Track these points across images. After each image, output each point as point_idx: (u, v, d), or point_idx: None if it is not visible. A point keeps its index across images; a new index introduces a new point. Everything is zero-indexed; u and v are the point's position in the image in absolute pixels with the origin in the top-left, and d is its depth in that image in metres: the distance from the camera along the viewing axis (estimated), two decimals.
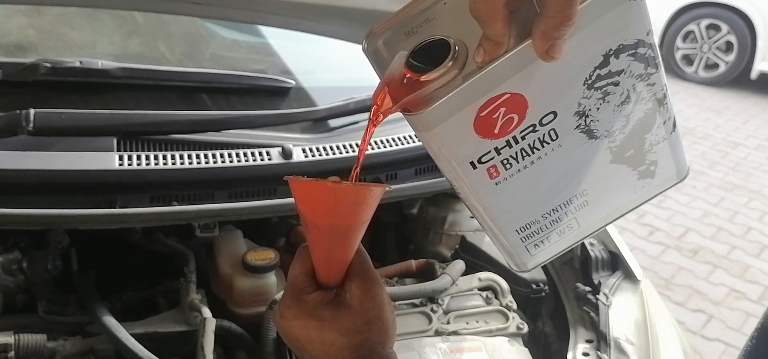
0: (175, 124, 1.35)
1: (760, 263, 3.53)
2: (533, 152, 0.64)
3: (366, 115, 1.53)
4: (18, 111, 1.19)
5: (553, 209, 0.71)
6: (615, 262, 1.38)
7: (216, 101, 1.52)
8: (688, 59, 6.63)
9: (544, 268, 1.44)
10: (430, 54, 0.60)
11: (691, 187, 4.33)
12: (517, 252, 0.75)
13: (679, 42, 6.58)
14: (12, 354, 1.02)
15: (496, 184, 0.66)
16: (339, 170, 1.39)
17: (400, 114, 0.62)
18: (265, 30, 1.87)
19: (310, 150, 1.37)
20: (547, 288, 1.38)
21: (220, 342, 1.22)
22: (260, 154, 1.32)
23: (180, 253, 1.30)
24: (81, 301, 1.21)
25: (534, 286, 1.38)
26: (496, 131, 0.62)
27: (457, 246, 1.50)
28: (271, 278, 1.27)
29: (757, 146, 5.19)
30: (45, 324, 1.16)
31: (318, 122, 1.48)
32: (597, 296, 1.30)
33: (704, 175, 4.57)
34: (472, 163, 0.64)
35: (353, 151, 1.40)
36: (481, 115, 0.60)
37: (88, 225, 1.16)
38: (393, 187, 1.42)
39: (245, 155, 1.31)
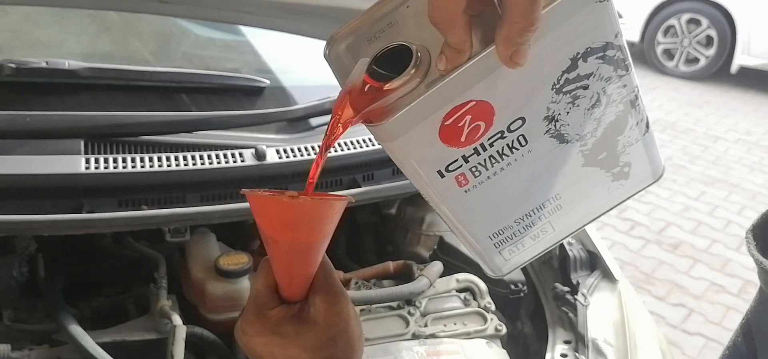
0: (144, 125, 1.32)
1: (740, 256, 3.55)
2: (502, 159, 0.62)
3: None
4: None
5: (525, 215, 0.70)
6: (593, 262, 1.37)
7: (188, 101, 1.49)
8: (669, 54, 6.66)
9: (523, 268, 1.42)
10: (393, 61, 0.58)
11: (671, 181, 4.35)
12: (491, 258, 0.73)
13: (659, 36, 6.61)
14: None
15: (466, 192, 0.64)
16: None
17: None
18: (242, 28, 1.84)
19: (285, 151, 1.34)
20: (525, 288, 1.37)
21: (192, 349, 1.19)
22: (233, 155, 1.29)
23: (151, 258, 1.27)
24: (48, 309, 1.18)
25: (513, 287, 1.37)
26: (462, 139, 0.60)
27: (435, 247, 1.48)
28: (245, 283, 1.24)
29: (737, 140, 5.23)
30: (11, 332, 1.12)
31: (293, 122, 1.45)
32: (575, 296, 1.28)
33: (685, 169, 4.59)
34: (439, 172, 0.62)
35: (329, 152, 1.38)
36: (446, 123, 0.58)
37: (54, 231, 1.12)
38: (371, 188, 1.40)
39: (217, 156, 1.28)
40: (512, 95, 0.58)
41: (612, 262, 1.35)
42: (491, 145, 0.61)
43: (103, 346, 1.08)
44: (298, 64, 1.75)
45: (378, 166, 1.44)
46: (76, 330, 1.06)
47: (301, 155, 1.34)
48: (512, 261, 0.74)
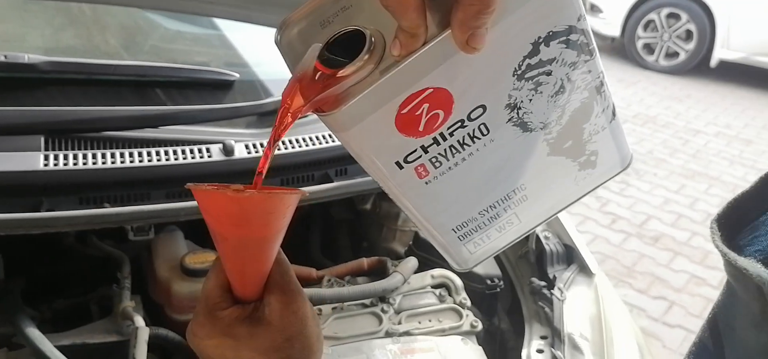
0: (108, 120, 1.27)
1: None
2: (464, 149, 0.59)
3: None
4: None
5: (490, 206, 0.67)
6: (570, 255, 1.34)
7: (154, 95, 1.44)
8: (649, 48, 6.70)
9: (500, 263, 1.40)
10: (346, 46, 0.54)
11: (652, 175, 4.37)
12: (457, 251, 0.71)
13: (640, 31, 6.64)
14: None
15: (427, 183, 0.61)
16: (283, 166, 1.33)
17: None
18: (212, 21, 1.79)
19: (254, 146, 1.30)
20: (502, 283, 1.35)
21: (158, 351, 1.15)
22: (200, 151, 1.26)
23: (114, 257, 1.23)
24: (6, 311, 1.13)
25: (489, 282, 1.34)
26: (420, 129, 0.57)
27: (411, 243, 1.45)
28: None
29: (717, 133, 5.26)
30: None
31: (263, 117, 1.42)
32: (551, 290, 1.26)
33: (665, 162, 4.60)
34: (397, 163, 0.59)
35: (299, 146, 1.35)
36: (402, 112, 0.55)
37: (11, 230, 1.08)
38: (343, 183, 1.36)
39: (183, 152, 1.24)
40: (471, 81, 0.55)
41: (588, 256, 1.33)
42: (451, 134, 0.58)
43: (63, 349, 1.04)
44: (268, 57, 1.71)
45: (351, 160, 1.40)
46: (34, 333, 1.02)
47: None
48: (478, 254, 0.72)
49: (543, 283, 1.29)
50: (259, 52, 1.74)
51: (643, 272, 3.31)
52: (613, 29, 6.73)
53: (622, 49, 6.83)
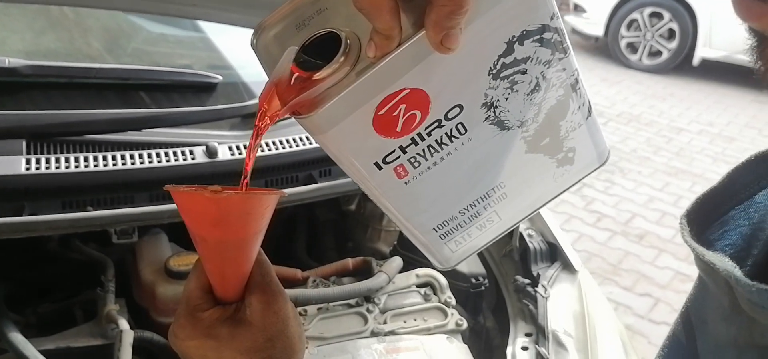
0: (90, 124, 1.27)
1: None
2: (442, 148, 0.60)
3: None
4: None
5: (470, 205, 0.68)
6: (553, 253, 1.35)
7: (137, 98, 1.44)
8: (633, 47, 6.75)
9: (484, 261, 1.41)
10: (321, 49, 0.55)
11: (637, 173, 4.40)
12: (438, 250, 0.71)
13: (623, 30, 6.69)
14: None
15: (406, 183, 0.62)
16: (267, 168, 1.33)
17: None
18: (195, 23, 1.79)
19: (238, 148, 1.30)
20: (486, 281, 1.36)
21: (143, 354, 1.15)
22: (183, 153, 1.25)
23: (98, 261, 1.22)
24: None
25: (473, 280, 1.35)
26: (398, 130, 0.57)
27: (396, 242, 1.46)
28: None
29: (700, 131, 5.32)
30: None
31: (246, 118, 1.42)
32: (536, 288, 1.27)
33: (649, 161, 4.64)
34: (376, 164, 0.59)
35: (283, 148, 1.35)
36: (379, 113, 0.55)
37: None
38: (327, 184, 1.37)
39: (167, 154, 1.24)
40: (447, 81, 0.56)
41: (572, 253, 1.34)
42: (429, 134, 0.59)
43: (47, 354, 1.03)
44: (250, 59, 1.71)
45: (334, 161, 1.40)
46: (17, 338, 1.02)
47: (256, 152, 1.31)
48: (459, 252, 0.72)
49: (527, 281, 1.30)
50: (241, 54, 1.74)
51: (629, 269, 3.34)
52: (597, 29, 6.78)
53: (605, 48, 6.88)
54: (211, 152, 1.26)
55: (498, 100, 0.59)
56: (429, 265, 1.35)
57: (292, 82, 0.56)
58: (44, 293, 1.26)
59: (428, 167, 0.61)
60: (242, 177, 0.58)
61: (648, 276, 3.30)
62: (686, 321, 0.56)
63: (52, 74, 1.36)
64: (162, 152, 1.24)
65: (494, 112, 0.60)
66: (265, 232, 0.61)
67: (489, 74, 0.57)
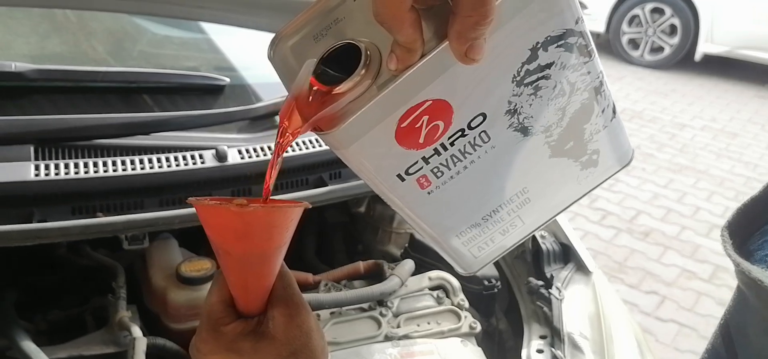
0: (98, 128, 1.26)
1: (710, 242, 3.58)
2: (465, 157, 0.59)
3: None
4: None
5: (492, 211, 0.67)
6: (566, 254, 1.34)
7: (144, 102, 1.43)
8: (634, 43, 6.74)
9: (497, 263, 1.40)
10: (341, 61, 0.54)
11: (640, 170, 4.39)
12: (461, 256, 0.70)
13: (625, 26, 6.68)
14: None
15: (429, 193, 0.61)
16: (282, 171, 1.32)
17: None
18: (200, 25, 1.78)
19: (247, 151, 1.29)
20: (499, 283, 1.34)
21: None
22: (192, 157, 1.24)
23: (108, 267, 1.21)
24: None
25: (486, 283, 1.34)
26: (421, 141, 0.56)
27: (407, 245, 1.45)
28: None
29: (703, 127, 5.30)
30: None
31: (254, 121, 1.40)
32: (549, 290, 1.26)
33: (653, 157, 4.63)
34: (399, 176, 0.58)
35: (292, 151, 1.33)
36: (402, 126, 0.54)
37: (2, 243, 1.06)
38: (338, 186, 1.35)
39: (176, 159, 1.23)
40: (470, 91, 0.55)
41: (585, 254, 1.33)
42: (452, 144, 0.58)
43: None
44: (258, 61, 1.70)
45: (344, 164, 1.39)
46: (29, 347, 1.00)
47: (264, 155, 1.30)
48: (482, 258, 0.71)
49: (541, 283, 1.29)
50: (247, 56, 1.73)
51: (635, 267, 3.33)
52: (598, 25, 6.77)
53: (607, 44, 6.86)
54: (220, 156, 1.25)
55: (521, 106, 0.58)
56: (441, 268, 1.34)
57: (312, 97, 0.55)
58: (52, 300, 1.25)
59: (451, 177, 0.60)
60: (264, 192, 0.57)
61: (654, 273, 3.29)
62: (725, 334, 0.55)
63: (58, 78, 1.35)
64: (171, 156, 1.23)
65: (518, 118, 0.59)
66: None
67: (513, 81, 0.56)
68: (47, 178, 1.12)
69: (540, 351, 1.17)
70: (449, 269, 1.34)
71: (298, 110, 0.55)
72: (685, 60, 6.57)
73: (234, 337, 0.58)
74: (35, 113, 1.27)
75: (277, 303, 0.60)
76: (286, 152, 1.34)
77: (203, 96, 1.48)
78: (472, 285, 1.33)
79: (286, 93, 0.55)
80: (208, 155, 1.25)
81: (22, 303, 1.18)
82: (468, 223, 0.66)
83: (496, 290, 1.34)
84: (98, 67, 1.43)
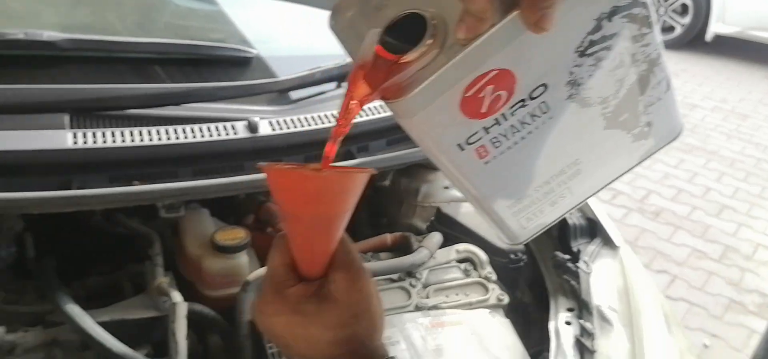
0: (131, 98, 1.26)
1: (720, 222, 3.60)
2: (523, 128, 0.61)
3: (332, 85, 1.47)
4: None
5: (545, 182, 0.68)
6: (593, 229, 1.36)
7: (172, 73, 1.43)
8: None
9: None
10: (405, 30, 0.55)
11: None
12: (510, 226, 0.72)
13: None
14: None
15: (486, 163, 0.62)
16: (308, 143, 1.33)
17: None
18: None
19: (278, 123, 1.30)
20: (525, 257, 1.36)
21: (191, 326, 1.16)
22: (225, 128, 1.25)
23: (144, 235, 1.23)
24: (40, 289, 1.14)
25: (512, 256, 1.36)
26: (483, 110, 0.57)
27: (433, 218, 1.46)
28: (243, 258, 1.21)
29: (714, 108, 5.30)
30: (3, 314, 1.08)
31: (283, 93, 1.41)
32: (576, 264, 1.28)
33: None
34: (459, 145, 0.60)
35: (322, 123, 1.34)
36: (467, 95, 0.56)
37: (43, 209, 1.07)
38: (365, 160, 1.36)
39: (209, 129, 1.24)
40: (535, 61, 0.56)
41: (612, 229, 1.35)
42: (513, 114, 0.59)
43: (101, 325, 1.04)
44: (284, 33, 1.70)
45: (372, 137, 1.40)
46: (74, 310, 1.03)
47: (294, 127, 1.31)
48: (530, 228, 0.73)
49: (567, 257, 1.31)
50: (274, 28, 1.73)
51: (645, 247, 3.35)
52: None
53: None
54: (252, 127, 1.26)
55: (582, 77, 0.59)
56: (467, 241, 1.36)
57: (378, 66, 0.56)
58: (89, 267, 1.27)
59: (509, 147, 0.61)
60: (324, 157, 0.58)
61: (664, 252, 3.31)
62: None
63: (89, 48, 1.35)
64: (204, 127, 1.24)
65: (577, 89, 0.60)
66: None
67: (575, 52, 0.57)
68: (85, 146, 1.13)
69: (568, 323, 1.19)
70: (476, 242, 1.36)
71: (365, 79, 0.56)
72: (696, 40, 6.54)
73: (297, 299, 0.60)
74: (66, 83, 1.27)
75: (339, 268, 0.62)
76: (316, 124, 1.35)
77: (231, 68, 1.48)
78: (497, 258, 1.35)
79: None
80: (240, 126, 1.26)
81: (59, 270, 1.20)
82: (520, 193, 0.68)
83: (522, 263, 1.36)
84: (129, 38, 1.43)
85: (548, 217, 0.72)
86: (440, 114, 0.56)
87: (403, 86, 0.55)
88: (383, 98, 0.55)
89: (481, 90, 0.56)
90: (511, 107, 0.58)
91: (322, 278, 0.62)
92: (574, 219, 1.35)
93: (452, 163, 0.62)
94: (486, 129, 0.59)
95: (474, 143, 0.60)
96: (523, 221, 0.71)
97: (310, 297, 0.61)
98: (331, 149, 0.58)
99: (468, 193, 0.67)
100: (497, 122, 0.59)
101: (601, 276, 1.25)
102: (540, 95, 0.59)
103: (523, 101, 0.58)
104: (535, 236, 0.74)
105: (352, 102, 0.55)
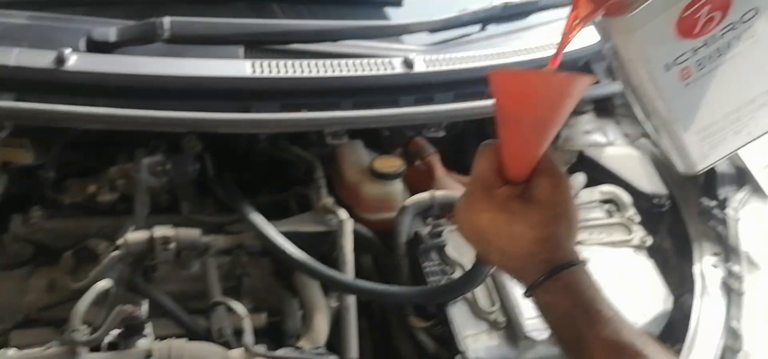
0: (296, 34, 1.37)
1: None
2: (728, 51, 0.63)
3: (476, 27, 1.52)
4: (154, 19, 1.23)
5: (736, 108, 0.70)
6: (742, 177, 1.34)
7: (329, 11, 1.53)
8: None
9: (665, 181, 1.42)
10: None
11: None
12: (690, 153, 0.74)
13: None
14: (173, 245, 1.09)
15: (687, 85, 0.65)
16: (459, 81, 1.38)
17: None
18: None
19: (431, 60, 1.36)
20: (669, 201, 1.37)
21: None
22: (383, 64, 1.33)
23: (307, 160, 1.34)
24: (218, 202, 1.27)
25: (655, 200, 1.37)
26: (696, 31, 0.61)
27: (574, 161, 1.49)
28: (398, 185, 1.30)
29: None
30: (189, 223, 1.21)
31: (435, 32, 1.47)
32: (724, 210, 1.28)
33: None
34: (666, 65, 0.63)
35: (472, 64, 1.39)
36: (684, 14, 0.59)
37: (228, 129, 1.20)
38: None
39: (369, 64, 1.32)
40: None
41: (763, 178, 1.33)
42: (722, 36, 0.62)
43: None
44: None
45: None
46: (258, 218, 1.15)
47: (447, 66, 1.36)
48: (711, 157, 0.74)
49: (713, 203, 1.31)
50: None
51: None
52: None
53: None
54: (408, 64, 1.33)
55: None
56: (610, 182, 1.38)
57: None
58: (257, 187, 1.39)
59: (711, 70, 0.64)
60: (552, 58, 0.64)
61: None
62: None
63: None
64: (364, 62, 1.32)
65: None
66: None
67: None
68: (262, 75, 1.24)
69: (715, 266, 1.20)
70: (619, 186, 1.38)
71: None
72: None
73: (505, 199, 0.68)
74: (240, 17, 1.39)
75: (543, 173, 0.68)
76: (464, 65, 1.40)
77: (381, 7, 1.57)
78: (640, 202, 1.37)
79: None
80: (397, 62, 1.33)
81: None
82: (711, 118, 0.70)
83: (664, 208, 1.37)
84: None
85: (728, 147, 0.74)
86: (656, 32, 0.60)
87: (626, 4, 0.59)
88: (607, 14, 0.60)
89: (698, 10, 0.59)
90: (722, 29, 0.61)
91: (525, 183, 0.69)
92: (723, 167, 1.34)
93: (655, 83, 0.65)
94: (694, 50, 0.62)
95: (681, 63, 0.63)
96: (706, 148, 0.73)
97: (515, 197, 0.68)
98: (555, 61, 0.64)
99: (658, 115, 0.70)
100: (706, 44, 0.62)
101: (749, 223, 1.25)
102: (750, 19, 0.61)
103: (733, 24, 0.61)
104: (711, 166, 0.76)
105: (576, 19, 0.60)
